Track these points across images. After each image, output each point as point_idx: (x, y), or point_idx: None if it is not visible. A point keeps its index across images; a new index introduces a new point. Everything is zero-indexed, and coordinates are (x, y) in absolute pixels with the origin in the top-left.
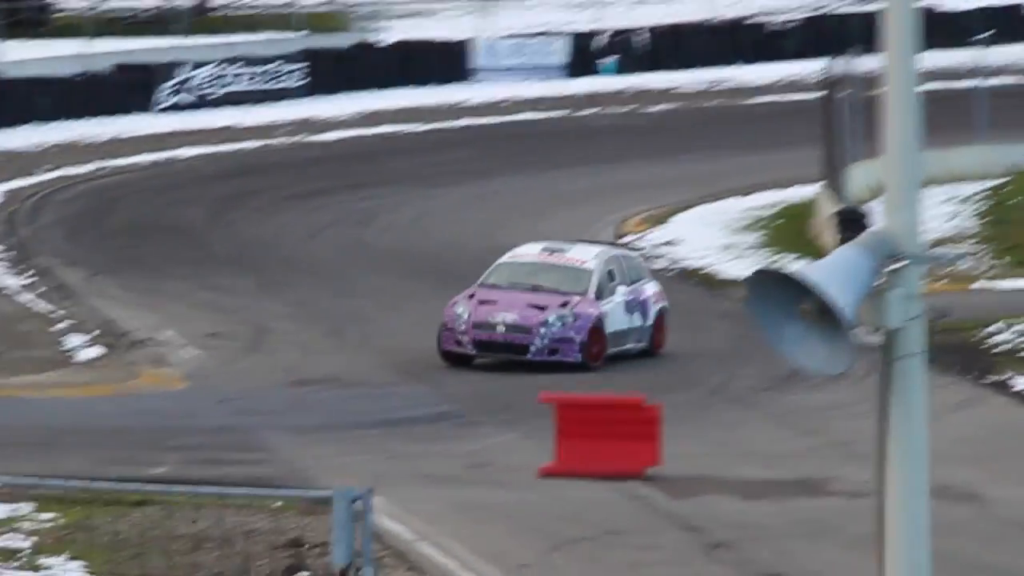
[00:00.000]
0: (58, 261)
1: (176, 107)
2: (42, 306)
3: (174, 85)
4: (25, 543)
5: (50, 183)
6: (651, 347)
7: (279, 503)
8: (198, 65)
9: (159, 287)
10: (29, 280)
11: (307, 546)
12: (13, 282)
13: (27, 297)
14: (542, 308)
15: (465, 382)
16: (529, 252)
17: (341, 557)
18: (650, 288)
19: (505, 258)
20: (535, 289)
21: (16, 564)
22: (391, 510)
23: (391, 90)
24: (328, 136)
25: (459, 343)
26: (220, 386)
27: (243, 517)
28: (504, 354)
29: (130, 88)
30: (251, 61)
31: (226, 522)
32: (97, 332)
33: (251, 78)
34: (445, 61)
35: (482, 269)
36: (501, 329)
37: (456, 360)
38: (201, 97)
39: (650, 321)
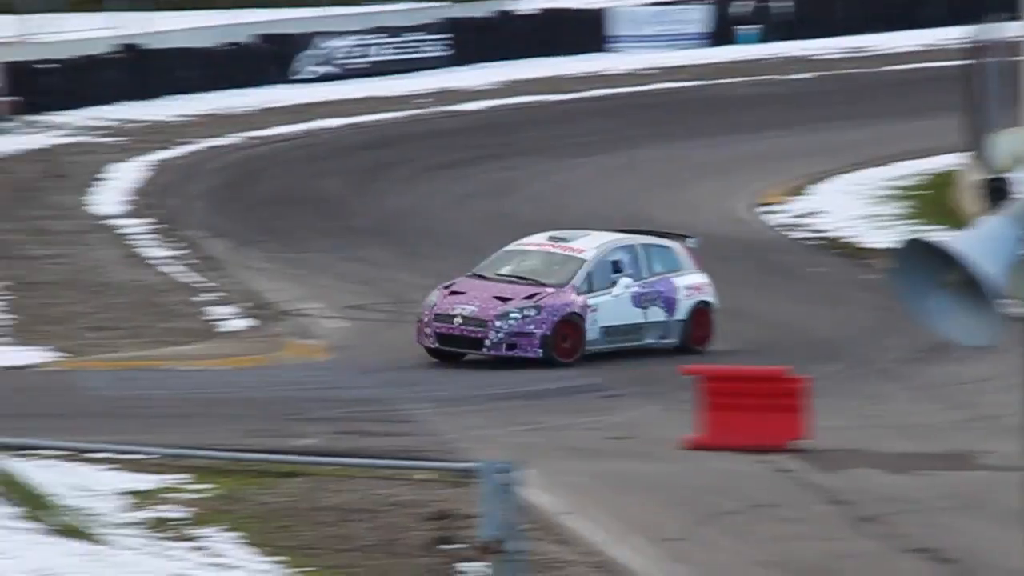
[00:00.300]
0: (204, 232)
1: (318, 78)
2: (188, 277)
3: (316, 56)
4: (182, 513)
5: (195, 154)
6: (684, 342)
7: (425, 475)
8: (340, 35)
9: (303, 258)
10: (176, 251)
11: (454, 518)
12: (160, 253)
13: (174, 268)
14: (507, 300)
15: (607, 354)
16: (533, 241)
17: (489, 530)
18: (684, 281)
19: (509, 246)
20: (516, 280)
21: (173, 534)
22: (536, 483)
23: (532, 59)
24: (469, 106)
25: (427, 335)
26: (364, 357)
27: (389, 489)
28: (462, 348)
29: (273, 59)
30: (393, 31)
31: (373, 494)
32: (242, 303)
33: (393, 48)
34: (585, 30)
35: None
36: (458, 321)
37: (435, 355)
38: (343, 67)
39: (680, 316)
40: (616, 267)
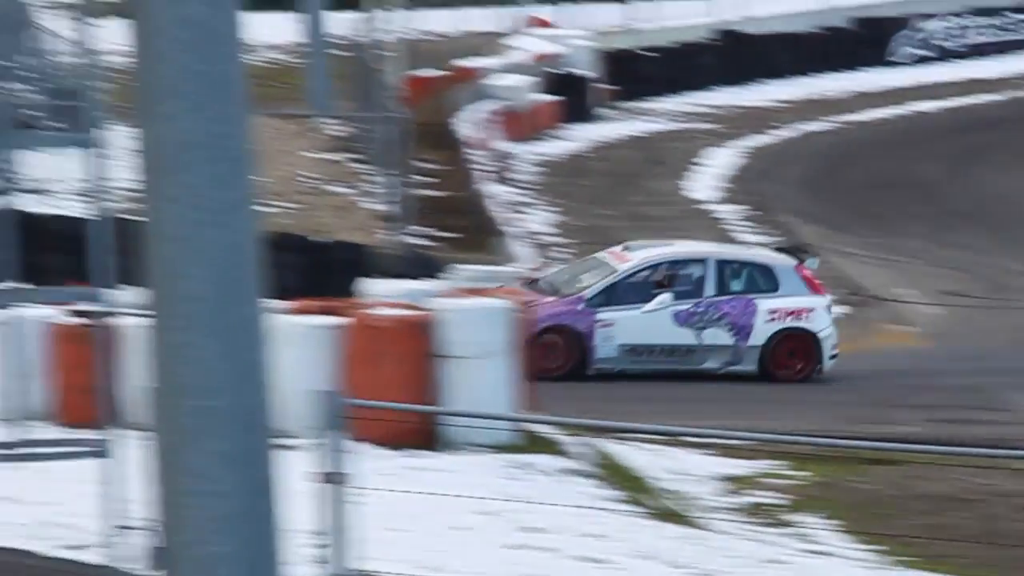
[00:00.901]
0: (797, 218)
1: (915, 61)
2: None
3: (913, 38)
4: (778, 499)
5: (788, 140)
6: (764, 370)
7: None
8: (937, 17)
9: (896, 244)
10: (770, 238)
11: None
12: (754, 239)
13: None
14: None
15: None
16: (610, 251)
17: None
18: (771, 304)
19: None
20: (548, 289)
21: (770, 520)
22: None
23: None
24: None
25: None
26: (960, 344)
27: (988, 479)
28: None
29: (868, 43)
30: (992, 12)
31: (970, 482)
32: (836, 289)
33: (993, 29)
34: None
35: None
36: None
37: None
38: (940, 50)
39: (756, 341)
40: (664, 282)
